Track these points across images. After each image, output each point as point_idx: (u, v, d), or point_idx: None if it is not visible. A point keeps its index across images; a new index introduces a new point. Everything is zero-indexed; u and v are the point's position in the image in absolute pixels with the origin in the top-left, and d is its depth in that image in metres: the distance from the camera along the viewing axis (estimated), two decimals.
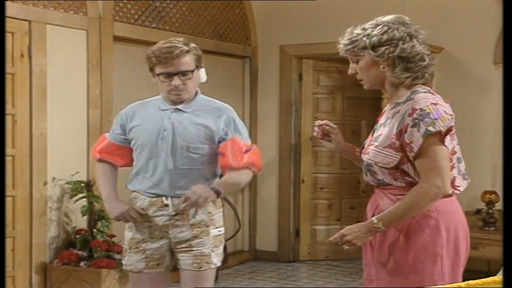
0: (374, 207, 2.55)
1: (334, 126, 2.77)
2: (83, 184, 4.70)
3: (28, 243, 4.60)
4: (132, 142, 3.09)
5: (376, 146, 2.47)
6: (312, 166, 6.61)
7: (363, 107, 6.39)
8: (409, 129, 2.38)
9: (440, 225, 2.44)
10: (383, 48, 2.43)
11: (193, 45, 3.04)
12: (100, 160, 3.17)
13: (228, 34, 6.35)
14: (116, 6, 5.17)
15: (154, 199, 3.02)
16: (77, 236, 4.72)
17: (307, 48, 6.42)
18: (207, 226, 3.03)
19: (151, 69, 3.00)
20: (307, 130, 6.46)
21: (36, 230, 4.62)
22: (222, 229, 3.11)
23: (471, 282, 1.62)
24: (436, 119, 2.37)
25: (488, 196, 5.23)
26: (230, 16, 6.38)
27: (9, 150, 4.43)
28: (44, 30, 4.63)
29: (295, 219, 6.62)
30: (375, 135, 2.53)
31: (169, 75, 2.94)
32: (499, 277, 1.62)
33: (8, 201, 4.43)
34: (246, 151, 3.01)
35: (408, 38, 2.46)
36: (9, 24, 4.27)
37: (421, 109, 2.38)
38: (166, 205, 3.00)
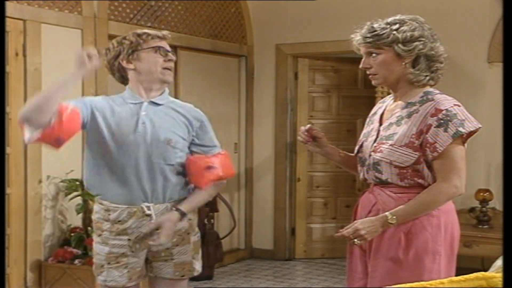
0: (370, 204, 2.56)
1: (319, 129, 2.78)
2: (77, 182, 4.71)
3: (23, 241, 4.61)
4: (98, 135, 2.78)
5: (391, 145, 2.48)
6: (308, 165, 6.63)
7: (358, 106, 6.40)
8: (432, 129, 2.41)
9: (441, 224, 2.48)
10: (414, 44, 2.46)
11: None
12: None
13: (224, 33, 6.36)
14: (111, 5, 5.18)
15: (134, 208, 2.79)
16: (72, 234, 4.73)
17: (303, 47, 6.43)
18: (188, 234, 2.90)
19: (133, 51, 2.81)
20: None
21: (31, 228, 4.64)
22: (199, 234, 3.00)
23: (454, 278, 1.63)
24: (464, 120, 2.42)
25: (481, 194, 5.24)
26: (226, 15, 6.39)
27: None
28: (39, 29, 4.65)
29: (291, 218, 6.63)
30: (386, 133, 2.53)
31: (165, 52, 2.85)
32: (481, 273, 1.63)
33: None
34: (209, 167, 2.86)
35: (433, 38, 2.50)
36: None
37: (447, 110, 2.42)
38: (149, 215, 2.78)
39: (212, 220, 5.80)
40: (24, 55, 4.56)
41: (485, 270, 1.81)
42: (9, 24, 4.43)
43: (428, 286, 1.54)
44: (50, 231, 4.79)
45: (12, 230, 4.56)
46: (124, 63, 2.84)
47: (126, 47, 2.83)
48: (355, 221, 2.48)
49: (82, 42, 4.92)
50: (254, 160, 6.70)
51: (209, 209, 5.72)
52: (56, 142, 2.69)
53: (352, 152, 2.76)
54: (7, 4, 4.40)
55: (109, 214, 2.81)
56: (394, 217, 2.43)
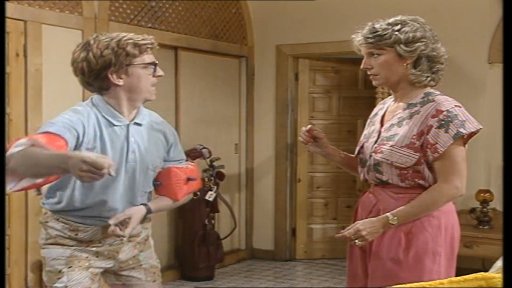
0: (371, 205, 2.57)
1: (320, 130, 2.78)
2: None
3: (24, 241, 4.62)
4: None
5: (392, 146, 2.49)
6: (308, 165, 6.63)
7: (359, 106, 6.41)
8: (433, 130, 2.42)
9: (441, 224, 2.49)
10: (416, 45, 2.47)
11: None
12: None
13: (224, 34, 6.36)
14: (111, 6, 5.18)
15: (108, 228, 2.53)
16: None
17: (304, 48, 6.44)
18: (146, 240, 2.78)
19: (121, 64, 2.46)
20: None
21: (31, 229, 4.64)
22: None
23: (453, 279, 1.63)
24: (465, 121, 2.42)
25: (482, 194, 5.24)
26: (227, 15, 6.39)
27: None
28: (40, 30, 4.65)
29: (292, 218, 6.64)
30: (387, 134, 2.54)
31: (154, 65, 2.56)
32: (481, 273, 1.63)
33: None
34: (188, 179, 2.73)
35: (434, 39, 2.50)
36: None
37: (448, 111, 2.43)
38: (119, 236, 2.55)
39: (212, 221, 5.81)
40: (25, 56, 4.56)
41: (486, 271, 1.80)
42: (10, 24, 4.44)
43: (428, 286, 1.54)
44: None
45: (13, 231, 4.56)
46: (113, 77, 2.48)
47: (122, 59, 2.46)
48: (356, 222, 2.48)
49: (82, 40, 4.91)
50: (254, 161, 6.70)
51: (209, 209, 5.72)
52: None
53: (353, 153, 2.76)
54: (8, 4, 4.41)
55: (76, 234, 2.59)
56: (395, 217, 2.43)
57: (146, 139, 2.60)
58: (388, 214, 2.45)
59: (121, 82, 2.49)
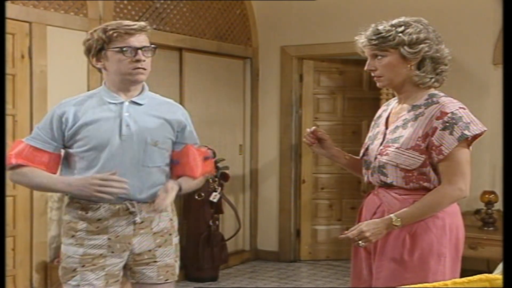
0: (375, 206, 2.57)
1: (324, 132, 2.78)
2: None
3: (29, 242, 4.63)
4: (79, 146, 2.63)
5: (397, 148, 2.49)
6: (313, 166, 6.63)
7: (363, 107, 6.41)
8: (438, 132, 2.42)
9: (446, 226, 2.49)
10: (420, 46, 2.47)
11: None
12: (18, 166, 2.65)
13: (229, 35, 6.37)
14: (116, 7, 5.19)
15: (117, 206, 2.62)
16: None
17: (308, 49, 6.44)
18: (170, 234, 2.76)
19: (100, 50, 2.61)
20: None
21: (36, 230, 4.66)
22: (178, 236, 2.85)
23: (457, 280, 1.63)
24: (469, 123, 2.42)
25: (487, 196, 5.23)
26: (231, 17, 6.40)
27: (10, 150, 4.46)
28: (45, 32, 4.66)
29: (296, 219, 6.64)
30: (392, 136, 2.53)
31: (132, 50, 2.59)
32: (485, 275, 1.63)
33: (9, 200, 4.47)
34: (205, 158, 2.81)
35: (437, 40, 2.50)
36: (10, 26, 4.30)
37: (452, 113, 2.42)
38: (132, 213, 2.63)
39: (217, 222, 5.81)
40: (30, 57, 4.58)
41: (490, 272, 1.80)
42: (15, 26, 4.45)
43: (431, 287, 1.54)
44: (56, 233, 4.80)
45: (18, 232, 4.57)
46: (93, 61, 2.66)
47: (94, 43, 2.62)
48: (360, 223, 2.48)
49: None
50: (259, 162, 6.70)
51: (214, 210, 5.73)
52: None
53: (357, 154, 2.76)
54: (13, 6, 4.42)
55: (86, 213, 2.63)
56: (399, 219, 2.43)
57: (144, 116, 2.67)
58: (392, 215, 2.45)
59: (100, 65, 2.66)
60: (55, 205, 4.79)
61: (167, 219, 2.75)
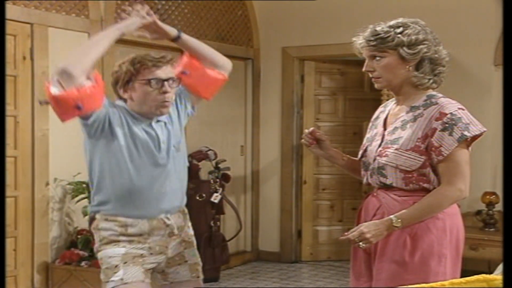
0: (374, 208, 2.56)
1: (323, 132, 2.78)
2: (84, 185, 4.72)
3: (30, 243, 4.64)
4: (109, 149, 2.68)
5: (397, 149, 2.48)
6: (314, 167, 6.64)
7: (364, 108, 6.39)
8: (437, 133, 2.41)
9: (446, 227, 2.49)
10: (419, 47, 2.47)
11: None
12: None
13: (230, 36, 6.38)
14: (117, 8, 5.20)
15: (154, 221, 2.76)
16: (79, 236, 4.75)
17: (309, 50, 6.44)
18: (190, 238, 2.94)
19: (128, 81, 2.69)
20: None
21: (38, 230, 4.67)
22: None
23: (455, 280, 1.64)
24: (469, 124, 2.42)
25: (488, 197, 5.24)
26: (232, 18, 6.41)
27: (11, 151, 4.48)
28: (46, 33, 4.67)
29: (297, 220, 6.64)
30: (391, 137, 2.53)
31: (159, 83, 2.67)
32: (482, 275, 1.63)
33: (11, 201, 4.48)
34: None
35: (435, 41, 2.51)
36: (11, 27, 4.31)
37: (452, 114, 2.42)
38: (168, 225, 2.80)
39: (218, 222, 5.81)
40: (32, 59, 4.59)
41: (491, 273, 1.80)
42: (16, 27, 4.46)
43: (428, 287, 1.55)
44: (57, 233, 4.81)
45: (20, 232, 4.58)
46: (121, 92, 2.73)
47: (122, 75, 2.69)
48: (360, 224, 2.48)
49: None
50: (260, 163, 6.71)
51: (215, 211, 5.73)
52: (75, 108, 2.52)
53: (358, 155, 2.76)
54: (15, 7, 4.43)
55: (126, 230, 2.73)
56: (399, 220, 2.43)
57: (166, 128, 2.78)
58: (392, 216, 2.44)
59: (127, 96, 2.71)
60: (57, 206, 4.80)
61: (191, 226, 2.96)
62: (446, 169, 2.44)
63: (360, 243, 2.43)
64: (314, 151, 2.76)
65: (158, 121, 2.77)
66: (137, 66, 2.66)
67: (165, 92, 2.67)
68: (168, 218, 2.78)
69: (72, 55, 2.61)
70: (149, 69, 2.66)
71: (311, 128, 2.74)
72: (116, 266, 2.70)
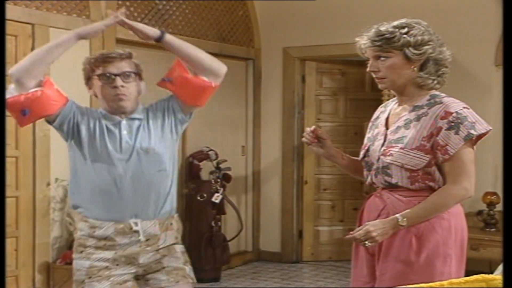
0: (379, 208, 2.55)
1: (323, 131, 2.78)
2: None
3: (31, 243, 4.64)
4: (74, 151, 2.76)
5: (402, 148, 2.48)
6: (315, 167, 6.64)
7: (365, 108, 6.36)
8: (443, 131, 2.42)
9: (451, 227, 2.49)
10: (424, 48, 2.47)
11: (134, 54, 2.82)
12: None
13: (231, 36, 6.38)
14: (118, 8, 5.18)
15: (121, 225, 2.70)
16: None
17: (310, 50, 6.44)
18: (174, 244, 2.84)
19: (88, 78, 2.76)
20: None
21: (39, 230, 4.67)
22: (183, 246, 2.92)
23: (454, 280, 1.64)
24: (475, 122, 2.43)
25: (489, 197, 5.23)
26: (234, 18, 6.41)
27: (12, 151, 4.48)
28: (47, 33, 4.67)
29: (298, 220, 6.64)
30: (394, 137, 2.53)
31: (108, 78, 2.70)
32: (482, 275, 1.63)
33: (12, 201, 4.48)
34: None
35: (439, 42, 2.51)
36: (13, 27, 4.32)
37: (457, 113, 2.42)
38: (136, 231, 2.71)
39: (219, 223, 5.82)
40: None
41: (492, 273, 1.80)
42: (18, 28, 4.47)
43: (427, 287, 1.55)
44: (58, 233, 4.81)
45: (21, 233, 4.59)
46: (88, 89, 2.82)
47: (84, 72, 2.79)
48: (366, 223, 2.46)
49: (90, 45, 4.94)
50: (261, 163, 6.71)
51: (216, 211, 5.74)
52: (21, 114, 2.60)
53: (359, 155, 2.75)
54: (16, 8, 4.44)
55: (94, 231, 2.71)
56: (405, 219, 2.42)
57: (141, 129, 2.76)
58: (397, 215, 2.43)
59: (90, 92, 2.80)
60: (58, 206, 4.81)
61: (173, 237, 2.84)
62: (452, 168, 2.44)
63: (366, 242, 2.42)
64: (315, 150, 2.76)
65: (132, 119, 2.76)
66: (92, 62, 2.73)
67: (116, 87, 2.69)
68: (136, 224, 2.70)
69: (23, 61, 2.66)
70: (102, 65, 2.71)
71: (313, 127, 2.74)
72: (82, 281, 2.73)
